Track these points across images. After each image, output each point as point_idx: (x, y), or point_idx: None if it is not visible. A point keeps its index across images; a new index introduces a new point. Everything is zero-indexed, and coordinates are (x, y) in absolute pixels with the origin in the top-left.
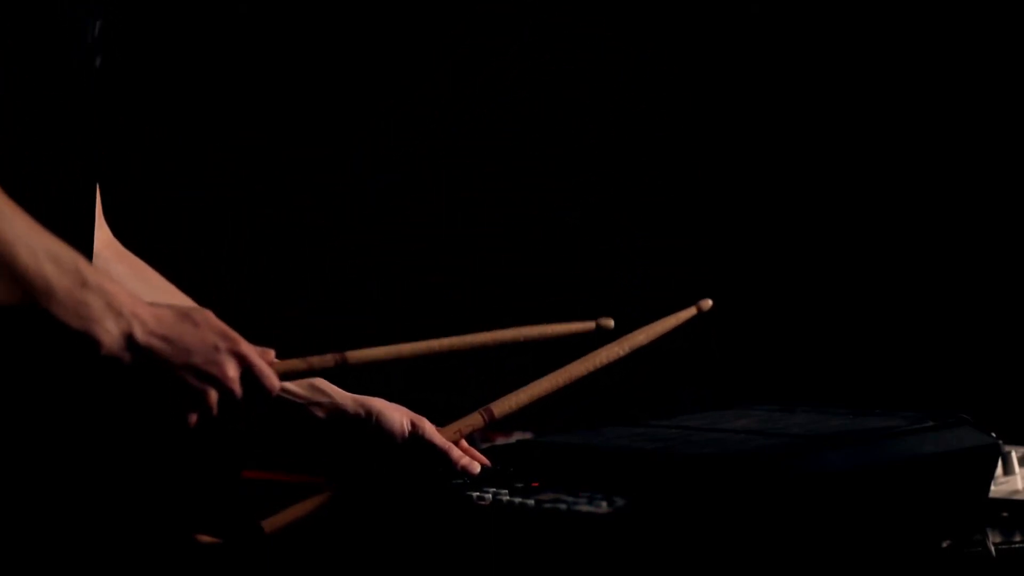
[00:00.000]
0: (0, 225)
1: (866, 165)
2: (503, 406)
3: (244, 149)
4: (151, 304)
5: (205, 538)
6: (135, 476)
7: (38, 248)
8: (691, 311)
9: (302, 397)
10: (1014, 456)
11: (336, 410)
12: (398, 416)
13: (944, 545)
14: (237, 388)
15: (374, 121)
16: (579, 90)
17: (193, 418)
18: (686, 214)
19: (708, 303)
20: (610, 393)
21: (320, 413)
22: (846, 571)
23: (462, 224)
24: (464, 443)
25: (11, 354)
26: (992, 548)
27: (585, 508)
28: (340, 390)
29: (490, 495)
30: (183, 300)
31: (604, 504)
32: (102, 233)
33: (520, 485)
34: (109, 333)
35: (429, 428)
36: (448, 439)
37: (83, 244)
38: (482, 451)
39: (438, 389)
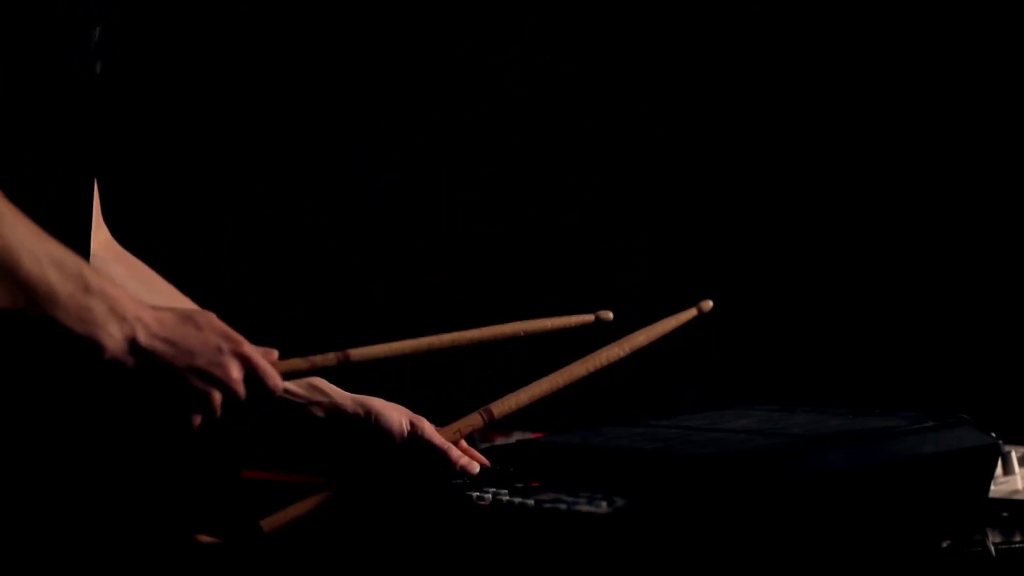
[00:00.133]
0: (3, 231)
1: (865, 165)
2: (503, 406)
3: (244, 149)
4: (153, 307)
5: (205, 538)
6: (135, 476)
7: (41, 254)
8: (692, 312)
9: (301, 396)
10: (1014, 456)
11: (335, 409)
12: (397, 416)
13: (944, 545)
14: (241, 389)
15: (374, 121)
16: (579, 90)
17: (197, 420)
18: (686, 214)
19: (709, 304)
20: (611, 394)
21: (319, 412)
22: (846, 571)
23: (462, 224)
24: (464, 443)
25: (14, 358)
26: (992, 548)
27: (585, 508)
28: (339, 390)
29: (490, 495)
30: (183, 301)
31: (604, 504)
32: (101, 234)
33: (520, 485)
34: (112, 337)
35: (428, 428)
36: (448, 439)
37: (80, 246)
38: (482, 451)
39: (438, 389)
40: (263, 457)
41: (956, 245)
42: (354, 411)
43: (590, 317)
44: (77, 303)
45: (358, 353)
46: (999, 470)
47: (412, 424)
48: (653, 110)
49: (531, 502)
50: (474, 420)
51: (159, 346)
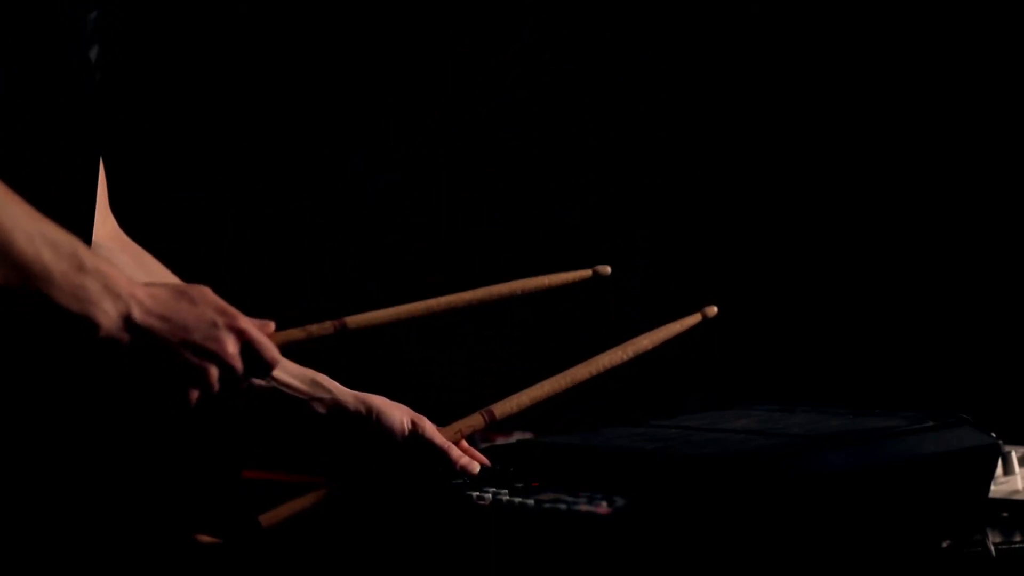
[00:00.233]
0: None
1: (865, 164)
2: (504, 407)
3: (244, 149)
4: (147, 284)
5: (205, 538)
6: (135, 476)
7: (35, 233)
8: (696, 318)
9: (303, 393)
10: (1014, 456)
11: (337, 406)
12: (398, 414)
13: (944, 545)
14: (237, 363)
15: (374, 121)
16: (579, 90)
17: (194, 395)
18: (686, 214)
19: (713, 310)
20: (613, 397)
21: (321, 409)
22: (846, 571)
23: (462, 224)
24: (464, 443)
25: (11, 341)
26: (992, 548)
27: (585, 508)
28: (341, 387)
29: (490, 495)
30: None
31: (604, 504)
32: (108, 224)
33: (520, 485)
34: (107, 315)
35: (429, 427)
36: (448, 439)
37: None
38: (482, 451)
39: (440, 389)
40: (263, 457)
41: (956, 245)
42: (356, 408)
43: (588, 272)
44: (71, 282)
45: (355, 320)
46: (999, 470)
47: (413, 423)
48: (653, 110)
49: (531, 502)
50: (475, 421)
51: (154, 322)
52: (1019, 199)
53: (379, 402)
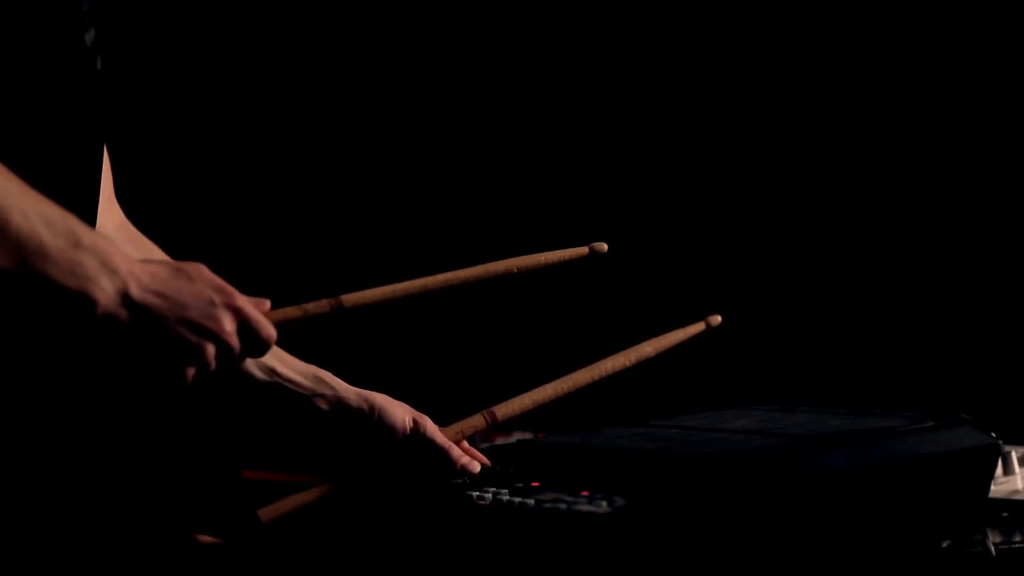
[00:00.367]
0: None
1: (865, 164)
2: (506, 409)
3: (244, 149)
4: (145, 261)
5: (205, 538)
6: (135, 476)
7: (30, 210)
8: (700, 326)
9: (306, 389)
10: (1014, 456)
11: (339, 403)
12: (400, 413)
13: (944, 545)
14: (234, 341)
15: (374, 121)
16: (579, 90)
17: (191, 372)
18: (686, 215)
19: (717, 319)
20: (613, 399)
21: (323, 405)
22: (846, 571)
23: (462, 224)
24: (465, 443)
25: (9, 337)
26: (992, 548)
27: (585, 508)
28: (344, 384)
29: (490, 495)
30: None
31: (604, 504)
32: (114, 214)
33: (520, 485)
34: (105, 292)
35: (431, 426)
36: (449, 439)
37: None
38: (482, 451)
39: (442, 390)
40: (263, 457)
41: (955, 246)
42: (358, 406)
43: (584, 250)
44: (68, 258)
45: (351, 299)
46: (999, 470)
47: (415, 422)
48: (653, 110)
49: (531, 502)
50: (476, 422)
51: (151, 299)
52: (1019, 199)
53: (381, 400)
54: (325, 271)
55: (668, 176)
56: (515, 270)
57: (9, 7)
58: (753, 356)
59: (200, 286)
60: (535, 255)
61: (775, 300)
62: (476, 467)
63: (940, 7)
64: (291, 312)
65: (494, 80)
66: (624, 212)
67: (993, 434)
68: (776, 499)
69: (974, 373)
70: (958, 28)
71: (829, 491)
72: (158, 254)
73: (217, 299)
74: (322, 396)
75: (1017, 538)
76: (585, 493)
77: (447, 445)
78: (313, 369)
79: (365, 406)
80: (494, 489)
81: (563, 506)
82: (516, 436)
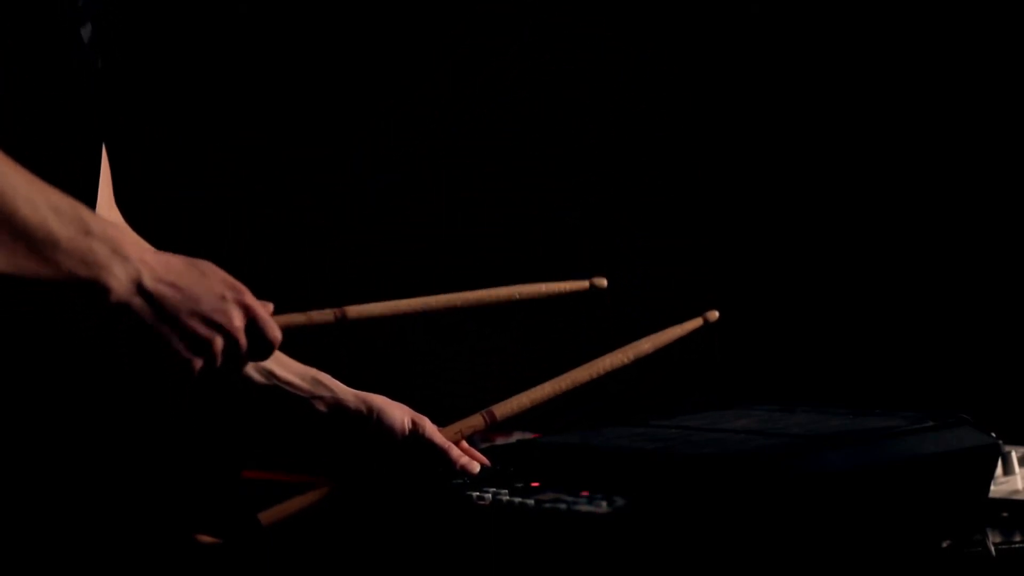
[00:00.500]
0: None
1: (865, 165)
2: (504, 409)
3: (244, 149)
4: (156, 251)
5: (205, 538)
6: (135, 475)
7: (38, 200)
8: (697, 322)
9: (304, 391)
10: (1014, 456)
11: (337, 405)
12: (399, 414)
13: (944, 545)
14: (242, 338)
15: (374, 121)
16: (579, 90)
17: (198, 365)
18: (686, 214)
19: (715, 315)
20: (612, 398)
21: (322, 407)
22: (846, 571)
23: (462, 224)
24: (464, 443)
25: (11, 336)
26: (992, 548)
27: (585, 508)
28: (342, 385)
29: (490, 495)
30: None
31: (604, 504)
32: (113, 217)
33: (520, 485)
34: (118, 279)
35: (430, 427)
36: (449, 439)
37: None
38: (482, 451)
39: (440, 390)
40: (263, 457)
41: (955, 246)
42: (356, 407)
43: (585, 284)
44: (78, 246)
45: (355, 311)
46: (999, 470)
47: (414, 423)
48: (653, 110)
49: (531, 502)
50: (475, 421)
51: (164, 290)
52: (1019, 199)
53: (380, 401)
54: (325, 271)
55: (668, 176)
56: (517, 296)
57: (8, 7)
58: (752, 355)
59: (212, 281)
60: (536, 284)
61: (775, 300)
62: (475, 467)
63: (940, 7)
64: (296, 318)
65: (494, 80)
66: (624, 212)
67: (993, 434)
68: (776, 499)
69: (974, 373)
70: (958, 28)
71: (829, 491)
72: None
73: (229, 295)
74: (320, 398)
75: (1017, 538)
76: (585, 493)
77: (446, 445)
78: (311, 371)
79: (363, 408)
80: (494, 489)
81: (563, 506)
82: (516, 436)
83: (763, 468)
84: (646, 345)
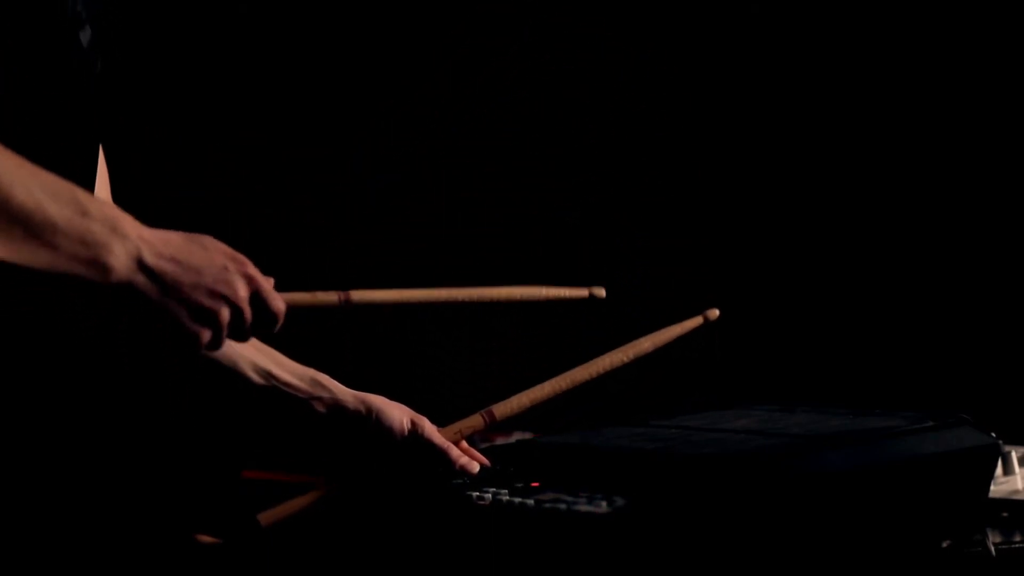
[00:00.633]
0: None
1: (865, 165)
2: (504, 408)
3: (244, 149)
4: (155, 228)
5: (205, 538)
6: (135, 475)
7: (32, 184)
8: (697, 320)
9: (303, 392)
10: (1014, 456)
11: (336, 405)
12: (398, 414)
13: (944, 545)
14: (247, 308)
15: (374, 121)
16: (579, 90)
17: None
18: (686, 214)
19: (715, 313)
20: (612, 398)
21: (321, 408)
22: (846, 571)
23: (462, 224)
24: (464, 443)
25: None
26: (992, 548)
27: (585, 508)
28: (341, 386)
29: (490, 495)
30: None
31: (604, 504)
32: None
33: (520, 485)
34: (118, 257)
35: (429, 427)
36: (448, 439)
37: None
38: (482, 451)
39: (440, 390)
40: (263, 457)
41: (955, 246)
42: (355, 408)
43: (584, 292)
44: (76, 227)
45: (359, 295)
46: (999, 470)
47: (413, 423)
48: (653, 110)
49: (531, 502)
50: (475, 421)
51: (166, 265)
52: (1019, 199)
53: (379, 402)
54: (325, 271)
55: (668, 176)
56: (517, 297)
57: (9, 9)
58: (752, 355)
59: (214, 253)
60: (536, 288)
61: (775, 300)
62: (475, 467)
63: (940, 7)
64: (302, 297)
65: (494, 80)
66: (624, 212)
67: (993, 434)
68: (776, 499)
69: (974, 373)
70: (958, 28)
71: (829, 491)
72: None
73: (231, 266)
74: (319, 399)
75: (1017, 538)
76: (585, 493)
77: (446, 446)
78: (310, 372)
79: (362, 408)
80: (494, 489)
81: (563, 506)
82: (516, 436)
83: (763, 468)
84: (646, 344)
